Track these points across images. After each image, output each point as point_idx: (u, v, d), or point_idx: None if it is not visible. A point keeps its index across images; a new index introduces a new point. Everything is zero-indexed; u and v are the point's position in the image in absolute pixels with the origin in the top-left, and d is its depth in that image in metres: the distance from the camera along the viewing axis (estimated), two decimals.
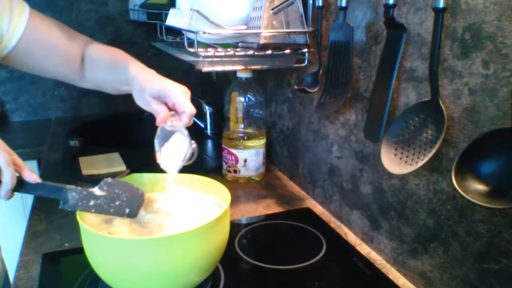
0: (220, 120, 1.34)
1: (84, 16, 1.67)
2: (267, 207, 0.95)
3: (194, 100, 1.73)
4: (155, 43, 1.37)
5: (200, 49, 0.80)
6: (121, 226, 0.62)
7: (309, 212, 0.93)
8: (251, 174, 1.07)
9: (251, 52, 0.84)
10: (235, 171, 1.07)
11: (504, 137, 0.48)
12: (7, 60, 0.78)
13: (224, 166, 1.10)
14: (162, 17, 1.10)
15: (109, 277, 0.59)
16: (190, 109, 0.65)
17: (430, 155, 0.56)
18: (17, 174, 0.55)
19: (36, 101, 1.71)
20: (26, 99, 1.69)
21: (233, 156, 1.05)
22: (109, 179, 0.60)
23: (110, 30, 1.72)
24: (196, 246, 0.56)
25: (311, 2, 0.84)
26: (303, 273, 0.71)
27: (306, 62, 0.90)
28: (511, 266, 0.52)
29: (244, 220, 0.89)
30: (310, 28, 0.85)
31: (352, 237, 0.84)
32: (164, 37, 1.03)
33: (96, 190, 0.60)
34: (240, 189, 1.04)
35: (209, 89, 1.78)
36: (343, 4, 0.72)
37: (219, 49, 0.84)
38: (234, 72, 1.03)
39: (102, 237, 0.56)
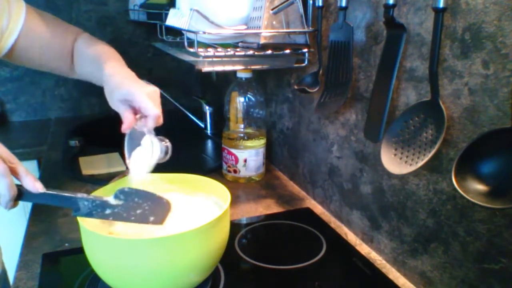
0: (220, 120, 1.34)
1: (84, 16, 1.67)
2: (267, 207, 0.95)
3: (194, 100, 1.72)
4: (155, 43, 1.37)
5: (200, 49, 0.80)
6: (121, 226, 0.62)
7: (309, 212, 0.93)
8: (251, 174, 1.07)
9: (251, 52, 0.83)
10: (235, 171, 1.07)
11: (504, 137, 0.48)
12: (5, 56, 0.79)
13: (224, 166, 1.10)
14: (162, 17, 1.10)
15: (109, 277, 0.59)
16: (154, 112, 0.63)
17: (430, 155, 0.56)
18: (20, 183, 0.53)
19: (36, 101, 1.71)
20: (26, 99, 1.69)
21: (233, 156, 1.05)
22: (126, 188, 0.58)
23: (110, 30, 1.72)
24: (196, 246, 0.56)
25: (311, 2, 0.84)
26: (303, 273, 0.71)
27: (306, 62, 0.90)
28: (511, 266, 0.52)
29: (244, 220, 0.89)
30: (310, 28, 0.85)
31: (352, 237, 0.84)
32: (164, 37, 1.03)
33: (111, 200, 0.58)
34: (240, 189, 1.04)
35: (209, 89, 1.78)
36: (343, 4, 0.72)
37: (219, 49, 0.84)
38: (234, 72, 1.03)
39: (102, 237, 0.56)
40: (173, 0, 0.94)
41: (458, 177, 0.50)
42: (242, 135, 1.05)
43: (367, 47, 0.73)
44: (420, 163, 0.57)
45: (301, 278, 0.70)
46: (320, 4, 0.79)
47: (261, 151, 1.07)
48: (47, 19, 0.81)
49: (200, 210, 0.67)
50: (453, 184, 0.49)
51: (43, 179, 1.10)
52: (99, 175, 1.09)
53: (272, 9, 0.80)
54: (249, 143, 1.04)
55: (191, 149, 1.31)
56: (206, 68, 0.84)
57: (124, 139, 0.68)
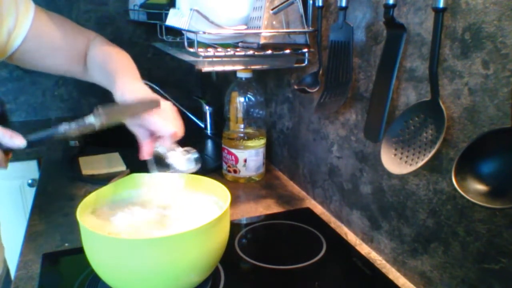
0: (220, 120, 1.34)
1: (84, 16, 1.67)
2: (267, 207, 0.95)
3: (194, 100, 1.72)
4: (155, 43, 1.37)
5: (200, 49, 0.80)
6: (121, 226, 0.62)
7: (309, 212, 0.93)
8: (251, 174, 1.07)
9: (251, 52, 0.84)
10: (235, 171, 1.07)
11: (504, 137, 0.48)
12: (12, 58, 0.77)
13: (224, 166, 1.10)
14: (162, 17, 1.10)
15: (109, 277, 0.59)
16: (168, 132, 0.63)
17: (430, 155, 0.56)
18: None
19: (36, 101, 1.71)
20: (26, 99, 1.69)
21: (233, 156, 1.05)
22: (101, 109, 0.58)
23: (110, 30, 1.72)
24: (196, 246, 0.56)
25: (311, 2, 0.84)
26: (303, 273, 0.71)
27: (306, 62, 0.90)
28: (511, 266, 0.52)
29: (244, 220, 0.89)
30: (310, 28, 0.85)
31: (352, 237, 0.84)
32: (164, 37, 1.03)
33: (90, 118, 0.58)
34: (240, 189, 1.04)
35: (209, 89, 1.78)
36: (343, 4, 0.72)
37: (219, 49, 0.84)
38: (234, 72, 1.03)
39: (102, 237, 0.56)
40: (173, 0, 0.94)
41: (458, 177, 0.50)
42: (242, 135, 1.05)
43: (367, 47, 0.73)
44: (420, 163, 0.57)
45: (301, 278, 0.70)
46: (320, 4, 0.79)
47: (261, 151, 1.07)
48: (57, 21, 0.78)
49: (200, 210, 0.67)
50: (453, 184, 0.49)
51: (43, 179, 1.11)
52: (99, 175, 1.09)
53: (272, 9, 0.80)
54: (249, 143, 1.04)
55: None
56: (206, 68, 0.84)
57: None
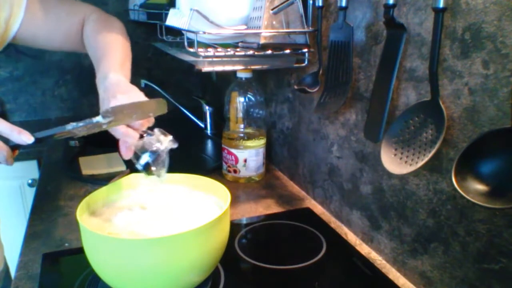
0: (220, 120, 1.34)
1: None
2: (267, 207, 0.95)
3: (194, 100, 1.72)
4: (155, 43, 1.37)
5: (200, 49, 0.80)
6: (121, 226, 0.62)
7: (309, 212, 0.93)
8: (251, 174, 1.07)
9: (251, 52, 0.83)
10: (235, 171, 1.07)
11: (504, 137, 0.48)
12: (12, 41, 0.80)
13: (224, 166, 1.10)
14: (162, 17, 1.10)
15: (109, 277, 0.59)
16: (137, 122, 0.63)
17: (430, 155, 0.56)
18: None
19: (36, 101, 1.71)
20: (26, 99, 1.69)
21: (233, 156, 1.05)
22: (110, 108, 0.58)
23: None
24: (196, 246, 0.56)
25: (311, 2, 0.84)
26: (303, 273, 0.71)
27: (306, 62, 0.90)
28: (511, 266, 0.52)
29: (244, 220, 0.89)
30: (310, 28, 0.85)
31: (352, 237, 0.84)
32: (164, 37, 1.03)
33: (99, 118, 0.58)
34: (240, 189, 1.04)
35: (209, 89, 1.78)
36: (343, 4, 0.72)
37: (219, 49, 0.84)
38: (234, 72, 1.03)
39: (102, 237, 0.56)
40: (173, 0, 0.94)
41: (458, 177, 0.50)
42: (242, 135, 1.05)
43: (367, 47, 0.73)
44: (420, 163, 0.57)
45: (301, 278, 0.70)
46: (320, 4, 0.79)
47: (261, 151, 1.07)
48: (50, 4, 0.81)
49: (200, 210, 0.67)
50: (453, 184, 0.49)
51: (43, 179, 1.11)
52: (99, 175, 1.09)
53: (272, 9, 0.80)
54: (249, 143, 1.04)
55: (191, 149, 1.31)
56: (206, 68, 0.84)
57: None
